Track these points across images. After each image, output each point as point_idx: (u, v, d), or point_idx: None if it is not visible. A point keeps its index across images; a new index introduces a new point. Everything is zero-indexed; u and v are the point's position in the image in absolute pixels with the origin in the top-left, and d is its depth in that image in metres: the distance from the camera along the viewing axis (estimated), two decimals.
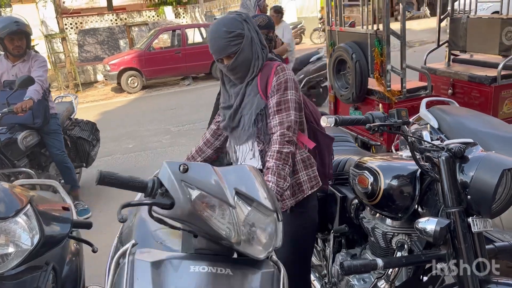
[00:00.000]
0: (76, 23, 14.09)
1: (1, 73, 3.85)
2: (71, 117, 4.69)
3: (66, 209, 1.42)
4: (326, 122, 1.61)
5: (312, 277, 2.37)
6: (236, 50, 1.82)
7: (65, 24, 13.26)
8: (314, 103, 3.31)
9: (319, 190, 2.06)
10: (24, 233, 1.29)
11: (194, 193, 1.15)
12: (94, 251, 1.59)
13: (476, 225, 1.47)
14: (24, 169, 3.80)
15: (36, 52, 11.00)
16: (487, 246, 1.60)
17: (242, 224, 1.18)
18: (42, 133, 3.99)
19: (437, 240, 1.43)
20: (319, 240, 2.50)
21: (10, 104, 3.47)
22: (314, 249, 2.65)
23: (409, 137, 1.60)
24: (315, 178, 1.99)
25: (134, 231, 1.71)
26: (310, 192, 1.96)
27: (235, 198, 1.19)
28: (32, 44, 12.27)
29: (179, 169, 1.16)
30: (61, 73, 12.05)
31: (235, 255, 1.30)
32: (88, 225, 1.61)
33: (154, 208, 1.20)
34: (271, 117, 1.85)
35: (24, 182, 2.37)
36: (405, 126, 1.66)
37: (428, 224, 1.46)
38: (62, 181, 4.25)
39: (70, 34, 13.46)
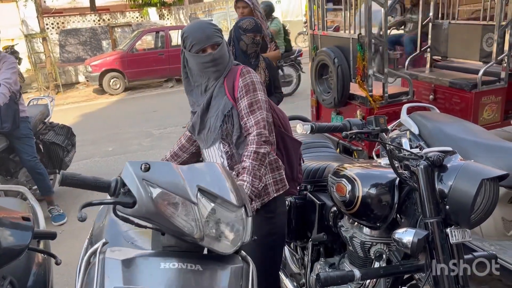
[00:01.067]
0: (57, 23, 13.86)
1: None
2: (46, 120, 4.48)
3: (26, 219, 1.33)
4: (302, 129, 1.57)
5: (291, 286, 2.32)
6: (220, 41, 1.87)
7: (46, 24, 13.02)
8: None
9: (288, 194, 2.07)
10: None
11: (155, 191, 1.17)
12: (57, 263, 1.50)
13: (455, 235, 1.44)
14: None
15: (15, 51, 10.67)
16: (466, 256, 1.57)
17: (206, 220, 1.20)
18: (11, 138, 3.79)
19: (414, 252, 1.40)
20: (298, 248, 2.45)
21: None
22: (293, 257, 2.61)
23: (387, 145, 1.56)
24: (281, 181, 1.97)
25: (104, 231, 1.69)
26: (275, 195, 1.94)
27: (198, 195, 1.20)
28: (12, 43, 11.93)
29: (141, 168, 1.18)
30: (41, 74, 11.80)
31: (205, 252, 1.32)
32: (51, 235, 1.52)
33: (119, 207, 1.22)
34: (245, 118, 1.85)
35: None
36: (384, 133, 1.63)
37: (406, 235, 1.42)
38: (35, 187, 4.07)
39: (51, 34, 13.22)
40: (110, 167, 5.50)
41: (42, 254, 1.84)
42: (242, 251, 1.35)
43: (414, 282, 1.79)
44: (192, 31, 1.87)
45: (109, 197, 1.27)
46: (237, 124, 1.88)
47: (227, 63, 1.91)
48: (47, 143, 4.34)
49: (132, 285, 1.13)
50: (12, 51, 11.72)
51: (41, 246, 1.87)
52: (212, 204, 1.21)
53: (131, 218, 1.24)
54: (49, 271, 1.88)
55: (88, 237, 1.96)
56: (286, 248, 2.67)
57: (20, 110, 3.74)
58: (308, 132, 1.57)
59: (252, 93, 1.87)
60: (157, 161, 1.28)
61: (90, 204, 1.21)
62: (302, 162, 2.19)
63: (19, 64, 11.94)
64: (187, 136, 2.17)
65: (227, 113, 1.87)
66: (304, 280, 2.28)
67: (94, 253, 1.25)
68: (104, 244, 1.27)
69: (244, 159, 1.80)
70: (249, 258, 1.34)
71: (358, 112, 2.16)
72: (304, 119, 2.70)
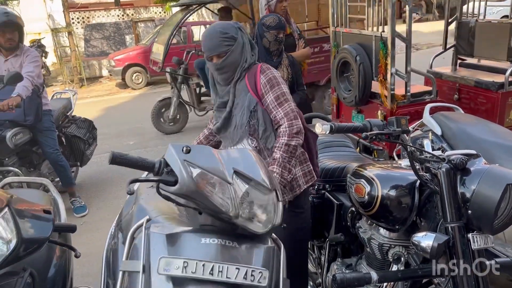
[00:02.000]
0: (83, 18, 14.05)
1: None
2: (68, 114, 4.56)
3: (47, 212, 1.36)
4: (321, 129, 1.55)
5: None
6: (227, 50, 1.91)
7: (72, 19, 13.23)
8: None
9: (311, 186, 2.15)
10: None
11: (195, 171, 1.26)
12: (76, 256, 1.53)
13: (476, 241, 1.40)
14: (11, 168, 3.66)
15: (41, 45, 10.83)
16: (488, 262, 1.53)
17: (240, 200, 1.29)
18: (34, 131, 3.85)
19: (434, 257, 1.37)
20: (314, 248, 2.44)
21: None
22: (310, 256, 2.59)
23: (408, 146, 1.53)
24: (309, 173, 2.06)
25: (134, 218, 1.74)
26: (305, 187, 2.03)
27: (234, 176, 1.30)
28: (39, 37, 12.17)
29: (182, 150, 1.28)
30: (66, 67, 12.02)
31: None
32: (71, 229, 1.55)
33: (161, 186, 1.31)
34: (274, 112, 1.92)
35: (14, 179, 2.32)
36: (405, 134, 1.59)
37: (425, 239, 1.39)
38: (57, 179, 4.14)
39: (77, 28, 13.43)
40: None
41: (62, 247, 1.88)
42: (274, 234, 1.44)
43: (433, 286, 1.75)
44: (204, 38, 1.97)
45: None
46: (261, 119, 1.94)
47: (238, 70, 1.96)
48: (69, 136, 4.42)
49: (174, 255, 1.22)
50: (39, 45, 11.99)
51: (61, 238, 1.91)
52: (246, 186, 1.30)
53: (172, 197, 1.32)
54: (69, 262, 1.91)
55: (114, 224, 1.99)
56: None
57: (43, 103, 3.81)
58: (328, 132, 1.55)
59: (276, 86, 1.93)
60: (197, 145, 1.48)
61: (137, 180, 1.33)
62: (316, 156, 2.23)
63: (46, 57, 12.21)
64: (204, 134, 2.24)
65: (253, 109, 1.93)
66: (320, 280, 2.26)
67: (138, 228, 1.36)
68: (148, 220, 1.37)
69: (275, 150, 1.88)
70: (279, 241, 1.42)
71: (379, 111, 2.12)
72: (324, 118, 2.68)
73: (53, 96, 4.68)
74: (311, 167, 2.07)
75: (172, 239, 1.27)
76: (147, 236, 1.28)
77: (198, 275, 1.18)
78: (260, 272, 1.24)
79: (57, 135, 4.09)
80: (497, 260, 1.61)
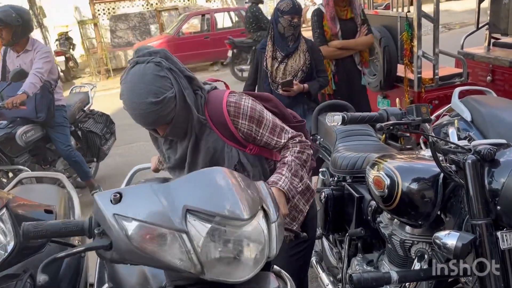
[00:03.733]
0: (108, 9, 14.19)
1: (9, 64, 3.72)
2: (85, 108, 4.53)
3: (48, 211, 1.32)
4: (332, 120, 1.44)
5: (326, 281, 2.22)
6: (172, 117, 1.42)
7: (98, 10, 13.37)
8: None
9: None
10: None
11: (131, 226, 0.95)
12: (81, 256, 1.49)
13: (506, 240, 1.28)
14: (20, 166, 3.60)
15: (69, 38, 10.98)
16: None
17: (202, 249, 0.95)
18: (46, 127, 3.82)
19: (458, 258, 1.25)
20: (336, 241, 2.34)
21: (4, 98, 3.37)
22: (330, 250, 2.50)
23: (430, 136, 1.40)
24: (308, 189, 1.73)
25: None
26: (308, 207, 1.74)
27: (187, 218, 0.96)
28: (66, 30, 12.37)
29: (111, 200, 0.98)
30: (93, 59, 12.19)
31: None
32: None
33: (99, 252, 1.03)
34: (273, 143, 1.57)
35: (30, 175, 2.32)
36: (426, 124, 1.46)
37: (449, 238, 1.27)
38: (75, 174, 4.15)
39: (102, 20, 13.58)
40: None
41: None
42: (275, 266, 1.18)
43: (459, 285, 1.64)
44: (131, 111, 1.39)
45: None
46: (249, 166, 1.58)
47: (189, 123, 1.50)
48: (85, 131, 4.37)
49: None
50: (66, 38, 12.19)
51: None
52: (208, 226, 0.96)
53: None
54: (83, 261, 1.89)
55: None
56: (324, 241, 2.57)
57: (56, 99, 3.78)
58: (340, 123, 1.44)
59: (260, 122, 1.53)
60: (133, 186, 1.10)
61: (54, 260, 1.03)
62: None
63: (73, 50, 12.42)
64: None
65: (236, 164, 1.55)
66: (341, 276, 2.17)
67: None
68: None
69: (286, 155, 1.56)
70: (284, 273, 1.18)
71: (397, 99, 1.97)
72: (344, 106, 2.55)
73: (71, 90, 4.67)
74: (308, 182, 1.74)
75: None
76: None
77: None
78: None
79: (73, 130, 4.08)
80: None
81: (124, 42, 13.92)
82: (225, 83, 1.73)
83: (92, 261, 2.30)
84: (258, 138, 1.55)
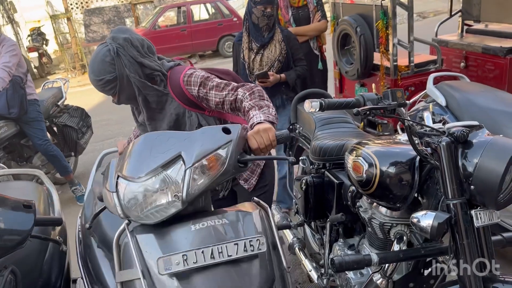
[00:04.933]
0: (81, 3, 13.88)
1: None
2: (59, 103, 4.45)
3: (27, 206, 1.30)
4: (310, 106, 1.45)
5: (309, 267, 2.25)
6: (114, 92, 1.83)
7: (71, 4, 13.07)
8: None
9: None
10: None
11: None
12: (62, 250, 1.48)
13: (480, 218, 1.32)
14: None
15: (41, 33, 10.86)
16: (494, 237, 1.46)
17: (124, 200, 1.25)
18: (20, 123, 3.76)
19: (434, 237, 1.29)
20: (317, 228, 2.38)
21: None
22: (312, 237, 2.54)
23: (405, 120, 1.43)
24: None
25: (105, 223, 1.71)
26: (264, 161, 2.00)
27: (118, 181, 1.27)
28: (38, 25, 12.13)
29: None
30: (67, 54, 11.94)
31: None
32: (57, 222, 1.50)
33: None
34: (226, 102, 1.80)
35: (6, 172, 2.27)
36: (402, 108, 1.49)
37: (425, 218, 1.31)
38: (52, 171, 4.10)
39: (76, 14, 13.28)
40: None
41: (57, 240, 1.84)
42: (255, 198, 1.46)
43: (437, 264, 1.69)
44: (91, 82, 1.83)
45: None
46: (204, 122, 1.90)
47: (138, 100, 1.87)
48: (60, 126, 4.32)
49: (171, 252, 1.16)
50: (39, 33, 11.91)
51: (54, 231, 1.86)
52: (125, 183, 1.25)
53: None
54: (65, 256, 1.87)
55: (79, 229, 1.95)
56: (306, 228, 2.60)
57: (28, 93, 3.70)
58: (317, 109, 1.46)
59: (208, 82, 1.82)
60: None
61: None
62: None
63: (46, 45, 12.13)
64: (138, 133, 2.17)
65: (197, 127, 1.85)
66: (323, 261, 2.20)
67: (120, 234, 1.27)
68: (127, 224, 1.28)
69: (244, 104, 1.71)
70: (262, 202, 1.41)
71: (373, 85, 2.01)
72: (322, 94, 2.58)
73: (43, 86, 4.60)
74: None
75: (161, 235, 1.22)
76: (134, 240, 1.22)
77: (200, 264, 1.16)
78: (257, 239, 1.24)
79: (48, 125, 4.01)
80: (505, 235, 1.54)
81: (99, 36, 13.63)
82: (190, 61, 2.08)
83: (75, 256, 2.29)
84: (209, 98, 1.82)
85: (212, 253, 1.17)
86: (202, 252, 1.16)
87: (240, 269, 1.21)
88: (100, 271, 1.58)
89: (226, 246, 1.19)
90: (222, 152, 1.28)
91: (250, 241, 1.22)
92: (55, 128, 4.33)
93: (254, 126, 1.54)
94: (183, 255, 1.15)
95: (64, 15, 11.81)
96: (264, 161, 1.94)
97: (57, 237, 1.88)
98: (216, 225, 1.23)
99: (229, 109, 1.82)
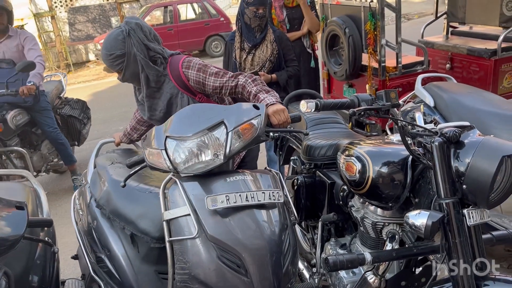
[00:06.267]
0: (66, 1, 13.69)
1: None
2: (61, 95, 4.62)
3: (20, 207, 1.28)
4: (306, 107, 1.46)
5: (301, 266, 2.26)
6: (120, 68, 2.10)
7: (55, 2, 12.90)
8: None
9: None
10: None
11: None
12: (54, 252, 1.46)
13: (472, 217, 1.34)
14: (15, 147, 3.82)
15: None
16: (484, 236, 1.48)
17: (172, 156, 1.48)
18: (32, 112, 3.96)
19: (428, 236, 1.30)
20: (308, 227, 2.39)
21: (9, 86, 3.51)
22: (304, 236, 2.55)
23: (399, 121, 1.45)
24: None
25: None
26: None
27: (166, 140, 1.49)
28: (22, 23, 11.94)
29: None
30: (51, 53, 11.77)
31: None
32: (48, 223, 1.48)
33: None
34: (223, 87, 2.07)
35: None
36: (395, 108, 1.51)
37: (419, 218, 1.32)
38: (55, 159, 4.34)
39: (60, 12, 13.10)
40: (121, 146, 5.48)
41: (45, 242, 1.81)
42: (267, 166, 1.79)
43: (428, 263, 1.71)
44: (102, 58, 2.14)
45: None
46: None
47: (141, 79, 2.12)
48: (64, 116, 4.52)
49: (213, 194, 1.40)
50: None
51: (44, 232, 1.84)
52: (174, 143, 1.47)
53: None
54: (54, 257, 1.85)
55: (78, 208, 2.11)
56: (297, 227, 2.61)
57: (40, 84, 3.89)
58: (313, 110, 1.47)
59: (207, 71, 2.09)
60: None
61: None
62: None
63: None
64: (137, 118, 2.48)
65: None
66: (315, 260, 2.21)
67: (166, 184, 1.51)
68: (173, 174, 1.51)
69: (248, 89, 1.99)
70: (274, 170, 1.63)
71: (367, 86, 2.03)
72: (313, 95, 2.59)
73: (43, 79, 4.67)
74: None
75: (203, 182, 1.46)
76: (181, 185, 1.44)
77: (239, 203, 1.41)
78: (277, 192, 1.50)
79: (53, 116, 4.19)
80: (494, 233, 1.57)
81: (83, 35, 13.47)
82: (188, 53, 2.37)
83: (63, 257, 2.26)
84: (207, 83, 2.10)
85: (246, 197, 1.42)
86: (240, 195, 1.42)
87: (266, 213, 1.47)
88: (107, 239, 1.79)
89: (256, 193, 1.44)
90: (254, 121, 1.51)
91: (272, 192, 1.48)
92: (59, 119, 4.49)
93: (268, 107, 1.81)
94: (225, 196, 1.40)
95: (48, 13, 11.62)
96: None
97: (46, 238, 1.85)
98: (245, 179, 1.48)
99: (227, 93, 2.09)
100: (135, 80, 2.18)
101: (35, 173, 4.11)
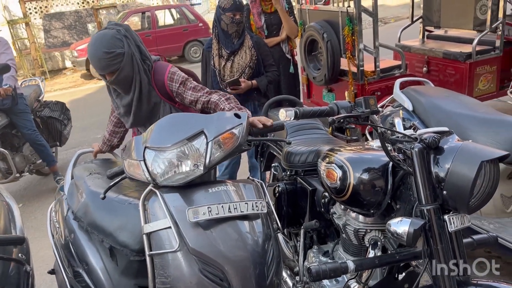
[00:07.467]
0: (40, 7, 13.44)
1: None
2: (40, 99, 4.66)
3: None
4: (285, 115, 1.44)
5: (284, 275, 2.23)
6: (117, 68, 1.99)
7: (29, 9, 12.66)
8: None
9: None
10: None
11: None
12: (26, 271, 1.40)
13: (453, 223, 1.34)
14: None
15: None
16: (465, 240, 1.48)
17: (150, 167, 1.44)
18: (10, 114, 4.00)
19: (410, 243, 1.29)
20: (291, 235, 2.37)
21: None
22: (287, 244, 2.52)
23: (378, 127, 1.44)
24: None
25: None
26: None
27: (145, 151, 1.45)
28: None
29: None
30: (26, 60, 11.52)
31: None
32: (19, 241, 1.41)
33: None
34: (199, 101, 2.11)
35: None
36: (374, 115, 1.51)
37: (401, 225, 1.31)
38: (39, 161, 4.36)
39: (34, 19, 12.85)
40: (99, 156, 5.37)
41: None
42: (249, 176, 1.78)
43: (411, 268, 1.71)
44: (90, 57, 2.01)
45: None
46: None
47: (133, 82, 2.07)
48: (44, 118, 4.58)
49: (194, 205, 1.38)
50: None
51: (17, 249, 1.76)
52: (153, 154, 1.43)
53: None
54: (29, 275, 1.77)
55: (54, 221, 2.05)
56: (280, 235, 2.59)
57: (16, 87, 3.95)
58: (292, 118, 1.45)
59: (187, 83, 2.13)
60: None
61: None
62: None
63: None
64: (113, 122, 2.43)
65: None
66: (298, 268, 2.19)
67: (146, 195, 1.47)
68: (153, 186, 1.47)
69: (221, 106, 2.02)
70: (257, 180, 1.63)
71: (346, 92, 2.03)
72: (293, 101, 2.58)
73: (21, 84, 4.74)
74: None
75: (185, 195, 1.43)
76: (162, 198, 1.41)
77: (221, 215, 1.38)
78: (260, 202, 1.49)
79: (32, 119, 4.23)
80: (475, 237, 1.58)
81: (59, 42, 13.24)
82: (164, 58, 2.38)
83: (39, 272, 2.18)
84: (185, 96, 2.14)
85: (229, 208, 1.40)
86: (222, 206, 1.40)
87: (248, 224, 1.45)
88: (85, 253, 1.75)
89: (239, 204, 1.43)
90: (235, 131, 1.49)
91: (255, 202, 1.47)
92: (39, 121, 4.53)
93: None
94: (207, 207, 1.38)
95: (22, 20, 11.38)
96: None
97: (20, 254, 1.78)
98: (227, 189, 1.47)
99: (200, 107, 2.12)
100: (126, 83, 2.08)
101: (18, 174, 4.21)
